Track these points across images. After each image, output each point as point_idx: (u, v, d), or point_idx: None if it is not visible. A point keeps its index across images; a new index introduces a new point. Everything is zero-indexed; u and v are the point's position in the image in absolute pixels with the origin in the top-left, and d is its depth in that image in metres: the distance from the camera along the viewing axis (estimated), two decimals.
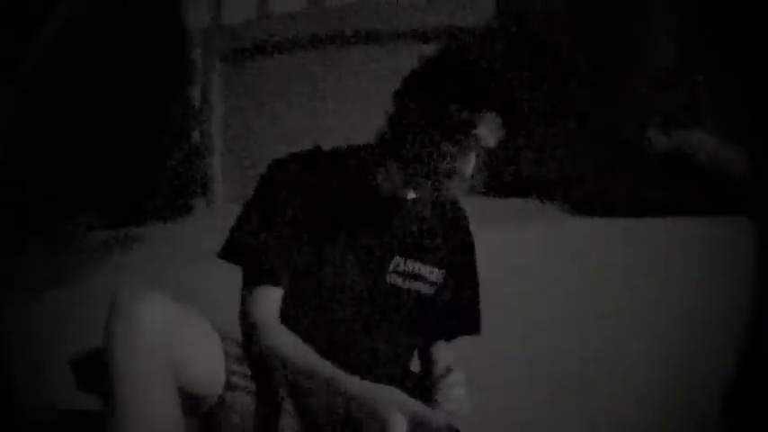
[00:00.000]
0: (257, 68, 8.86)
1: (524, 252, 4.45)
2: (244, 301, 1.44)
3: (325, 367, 1.36)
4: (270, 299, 1.42)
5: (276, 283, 1.42)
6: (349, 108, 8.20)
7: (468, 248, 1.58)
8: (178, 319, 1.31)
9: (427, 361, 1.57)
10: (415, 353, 1.57)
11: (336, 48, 8.54)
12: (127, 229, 6.81)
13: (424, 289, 1.52)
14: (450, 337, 1.58)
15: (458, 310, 1.58)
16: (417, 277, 1.51)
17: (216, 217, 8.06)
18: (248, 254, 1.43)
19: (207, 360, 1.36)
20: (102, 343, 1.28)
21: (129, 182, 7.31)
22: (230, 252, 1.45)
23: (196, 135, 8.55)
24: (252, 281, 1.43)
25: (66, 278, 4.33)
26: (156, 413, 1.26)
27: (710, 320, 2.95)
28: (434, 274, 1.53)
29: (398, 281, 1.49)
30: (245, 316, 1.43)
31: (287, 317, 1.42)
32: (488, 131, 1.40)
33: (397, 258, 1.49)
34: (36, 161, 6.58)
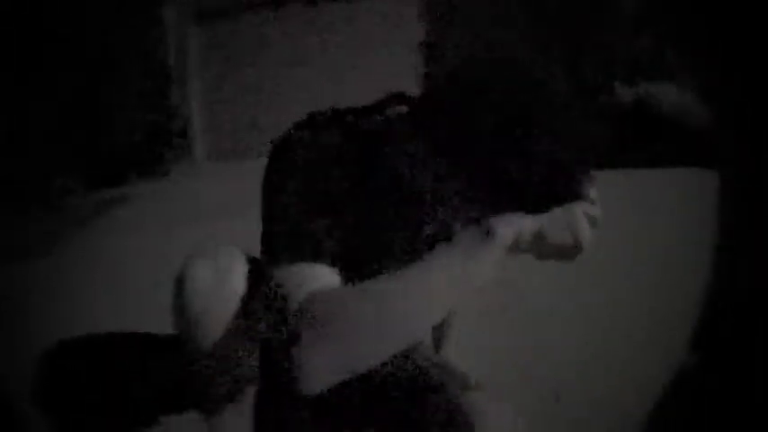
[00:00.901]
0: (233, 26, 8.79)
1: None
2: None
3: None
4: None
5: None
6: (329, 65, 8.17)
7: None
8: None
9: None
10: None
11: (317, 5, 8.48)
12: (106, 191, 6.79)
13: None
14: None
15: None
16: None
17: (195, 176, 8.05)
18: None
19: None
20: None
21: (105, 143, 7.28)
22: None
23: (173, 94, 8.50)
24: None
25: (47, 245, 4.32)
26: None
27: (677, 265, 3.00)
28: None
29: None
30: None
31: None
32: None
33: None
34: (5, 124, 6.53)
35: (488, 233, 1.17)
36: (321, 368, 1.14)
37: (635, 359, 2.45)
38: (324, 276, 1.20)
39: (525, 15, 7.22)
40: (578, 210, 1.24)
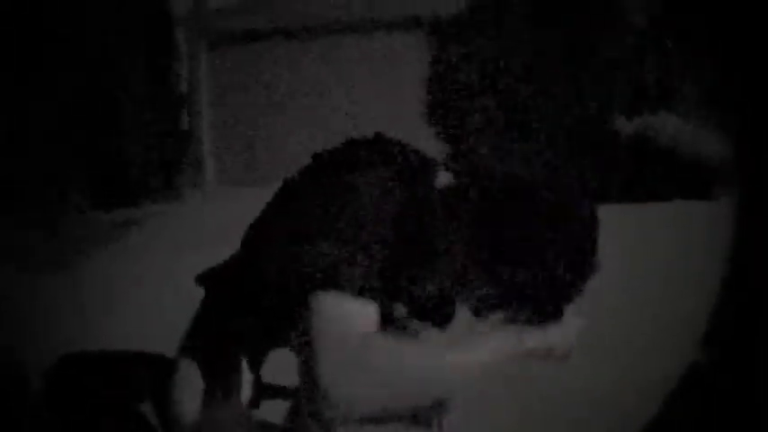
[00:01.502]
0: (246, 54, 8.88)
1: None
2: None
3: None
4: None
5: None
6: (336, 94, 8.26)
7: None
8: None
9: None
10: None
11: (326, 35, 8.59)
12: (118, 212, 6.83)
13: None
14: None
15: None
16: None
17: (206, 200, 8.09)
18: None
19: None
20: None
21: (118, 165, 7.33)
22: None
23: (185, 119, 8.57)
24: None
25: (61, 263, 4.37)
26: None
27: (677, 279, 3.02)
28: None
29: None
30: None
31: None
32: None
33: None
34: (24, 142, 6.60)
35: (520, 342, 1.24)
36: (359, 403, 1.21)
37: (635, 363, 2.46)
38: (365, 311, 1.24)
39: (530, 35, 7.26)
40: (573, 321, 1.30)
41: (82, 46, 7.01)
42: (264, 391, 1.39)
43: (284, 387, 1.37)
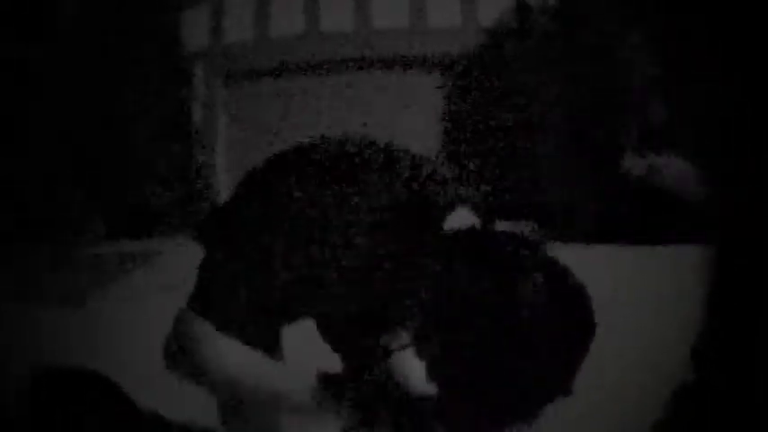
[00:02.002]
0: (262, 90, 8.90)
1: None
2: None
3: None
4: None
5: None
6: (354, 130, 8.24)
7: None
8: None
9: None
10: None
11: (338, 73, 8.60)
12: (131, 244, 6.82)
13: None
14: None
15: None
16: None
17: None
18: None
19: None
20: None
21: (132, 198, 7.33)
22: None
23: (199, 154, 8.57)
24: None
25: (75, 295, 4.33)
26: None
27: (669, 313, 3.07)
28: None
29: None
30: None
31: None
32: None
33: None
34: (35, 170, 6.60)
35: None
36: None
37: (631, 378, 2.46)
38: None
39: (543, 75, 7.28)
40: None
41: (95, 79, 7.05)
42: None
43: None
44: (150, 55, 7.59)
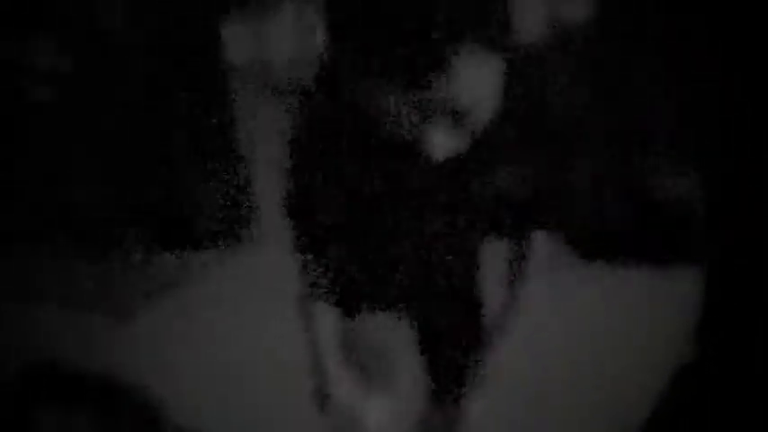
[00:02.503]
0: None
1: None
2: None
3: None
4: None
5: None
6: None
7: None
8: None
9: None
10: None
11: None
12: (174, 258, 6.84)
13: None
14: None
15: None
16: None
17: (262, 254, 8.08)
18: None
19: None
20: None
21: (176, 212, 7.36)
22: None
23: (241, 171, 8.61)
24: None
25: (124, 307, 4.36)
26: None
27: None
28: None
29: None
30: None
31: None
32: None
33: None
34: (76, 182, 6.65)
35: None
36: None
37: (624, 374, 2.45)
38: None
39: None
40: None
41: (136, 91, 7.11)
42: None
43: None
44: (194, 69, 7.65)
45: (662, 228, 6.49)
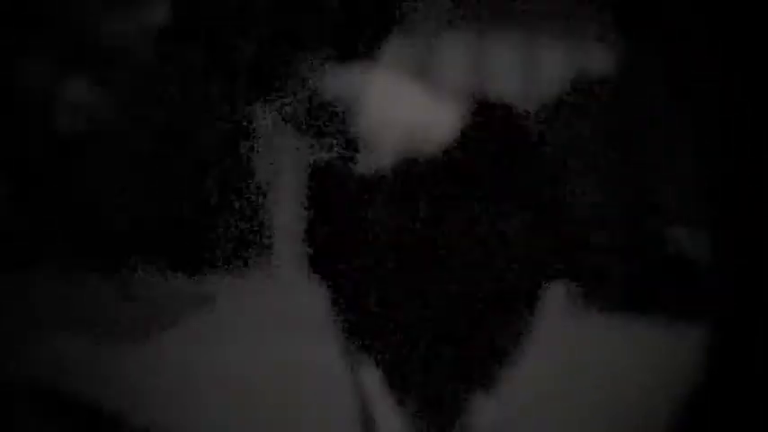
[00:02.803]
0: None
1: None
2: None
3: None
4: None
5: None
6: None
7: None
8: None
9: None
10: None
11: None
12: (186, 283, 6.86)
13: None
14: None
15: None
16: None
17: (281, 284, 8.08)
18: None
19: None
20: None
21: (189, 238, 7.41)
22: None
23: (261, 200, 8.65)
24: None
25: (136, 332, 4.36)
26: None
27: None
28: None
29: None
30: None
31: None
32: None
33: None
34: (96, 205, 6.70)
35: None
36: None
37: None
38: None
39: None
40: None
41: (160, 120, 7.17)
42: None
43: None
44: (214, 96, 7.74)
45: (673, 280, 6.48)
